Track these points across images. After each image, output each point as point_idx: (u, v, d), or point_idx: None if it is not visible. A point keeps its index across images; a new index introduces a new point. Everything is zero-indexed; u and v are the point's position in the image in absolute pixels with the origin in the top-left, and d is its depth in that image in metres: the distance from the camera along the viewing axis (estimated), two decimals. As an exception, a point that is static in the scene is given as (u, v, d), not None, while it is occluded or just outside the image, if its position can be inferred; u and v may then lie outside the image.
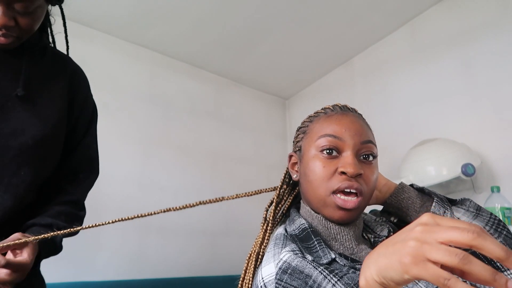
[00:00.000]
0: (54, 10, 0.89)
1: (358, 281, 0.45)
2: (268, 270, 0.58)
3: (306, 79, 2.52)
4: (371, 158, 0.66)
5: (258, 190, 0.76)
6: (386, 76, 2.01)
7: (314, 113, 0.74)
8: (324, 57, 2.27)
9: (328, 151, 0.65)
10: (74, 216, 0.88)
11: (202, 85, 2.33)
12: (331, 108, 0.72)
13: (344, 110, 0.71)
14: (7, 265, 0.67)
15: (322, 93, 2.46)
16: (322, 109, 0.73)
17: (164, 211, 0.68)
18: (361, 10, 1.86)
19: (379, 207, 0.80)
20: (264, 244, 0.70)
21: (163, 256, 1.87)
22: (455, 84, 1.67)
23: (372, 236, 0.70)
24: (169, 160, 2.04)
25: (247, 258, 0.69)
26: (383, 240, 0.64)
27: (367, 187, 0.65)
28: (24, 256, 0.71)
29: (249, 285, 0.65)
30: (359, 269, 0.57)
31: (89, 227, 0.72)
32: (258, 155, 2.49)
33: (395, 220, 0.76)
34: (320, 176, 0.64)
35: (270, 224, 0.73)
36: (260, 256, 0.68)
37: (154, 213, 0.69)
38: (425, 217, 0.40)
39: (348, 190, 0.62)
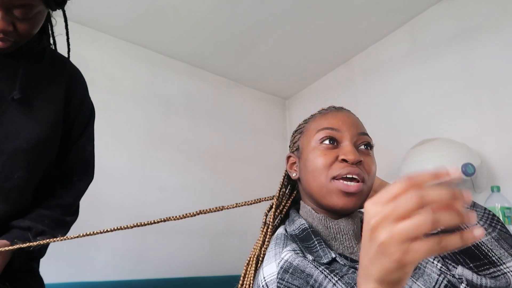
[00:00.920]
0: (57, 12, 0.89)
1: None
2: (269, 270, 0.58)
3: (306, 79, 2.52)
4: (368, 147, 0.69)
5: (258, 199, 0.78)
6: (386, 76, 2.01)
7: (309, 116, 0.76)
8: (324, 57, 2.27)
9: (327, 141, 0.67)
10: (59, 221, 0.85)
11: (202, 85, 2.33)
12: (325, 108, 0.75)
13: (339, 108, 0.74)
14: None
15: (322, 93, 2.47)
16: (317, 111, 0.76)
17: (164, 220, 0.69)
18: (361, 10, 1.86)
19: None
20: (264, 247, 0.70)
21: (163, 256, 1.87)
22: (455, 84, 1.67)
23: None
24: (169, 160, 2.04)
25: (247, 262, 0.69)
26: None
27: (368, 175, 0.66)
28: None
29: None
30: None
31: (84, 235, 0.71)
32: (258, 155, 2.49)
33: None
34: (321, 165, 0.65)
35: (270, 228, 0.73)
36: (260, 259, 0.68)
37: (154, 222, 0.69)
38: (368, 209, 0.38)
39: (350, 176, 0.63)
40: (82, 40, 1.81)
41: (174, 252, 1.91)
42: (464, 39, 1.67)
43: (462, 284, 0.56)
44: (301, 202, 0.74)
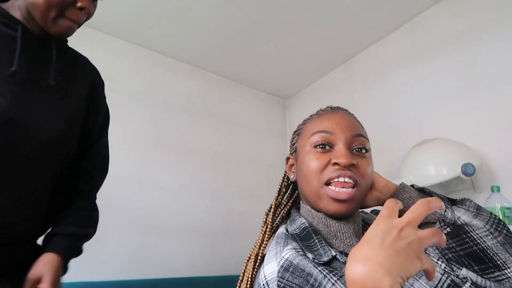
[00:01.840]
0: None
1: None
2: (270, 268, 0.59)
3: (306, 79, 2.53)
4: (363, 151, 0.68)
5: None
6: (386, 76, 2.01)
7: (308, 117, 0.77)
8: (324, 57, 2.28)
9: (321, 146, 0.67)
10: (93, 220, 0.91)
11: (202, 85, 2.33)
12: (322, 109, 0.75)
13: (335, 109, 0.74)
14: None
15: (322, 93, 2.47)
16: (315, 112, 0.76)
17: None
18: (361, 10, 1.86)
19: (381, 208, 0.80)
20: (263, 245, 0.71)
21: (163, 256, 1.87)
22: (455, 84, 1.67)
23: None
24: (169, 160, 2.04)
25: (246, 260, 0.70)
26: None
27: (363, 178, 0.65)
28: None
29: (247, 286, 0.65)
30: None
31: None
32: (258, 155, 2.49)
33: None
34: (314, 169, 0.66)
35: (269, 227, 0.74)
36: (259, 257, 0.69)
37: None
38: (395, 223, 0.45)
39: (342, 180, 0.63)
40: (82, 40, 1.81)
41: (174, 252, 1.91)
42: (464, 39, 1.67)
43: (467, 283, 0.56)
44: (301, 201, 0.74)
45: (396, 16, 1.92)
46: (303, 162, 0.68)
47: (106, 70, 1.93)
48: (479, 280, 0.57)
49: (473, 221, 0.63)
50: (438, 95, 1.72)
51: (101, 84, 0.97)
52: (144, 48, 2.10)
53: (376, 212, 0.84)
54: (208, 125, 2.28)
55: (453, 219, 0.63)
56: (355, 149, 0.67)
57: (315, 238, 0.63)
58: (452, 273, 0.58)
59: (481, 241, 0.60)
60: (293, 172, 0.75)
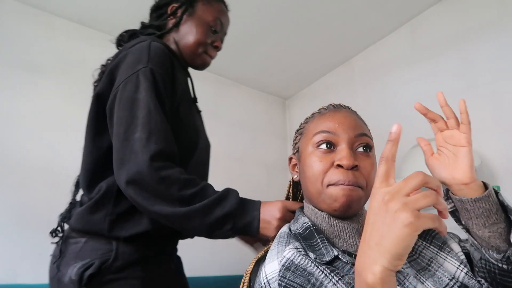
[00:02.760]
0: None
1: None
2: (271, 267, 0.59)
3: (306, 79, 2.53)
4: (367, 150, 0.67)
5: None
6: (386, 76, 2.01)
7: (310, 115, 0.76)
8: (324, 57, 2.28)
9: (323, 146, 0.66)
10: None
11: (202, 85, 2.32)
12: (325, 107, 0.74)
13: (337, 108, 0.73)
14: None
15: (322, 93, 2.47)
16: (317, 110, 0.75)
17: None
18: (361, 10, 1.86)
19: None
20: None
21: (163, 256, 1.87)
22: (455, 84, 1.67)
23: None
24: (169, 160, 2.04)
25: (253, 261, 0.69)
26: None
27: (366, 179, 0.65)
28: None
29: (248, 285, 0.65)
30: None
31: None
32: (258, 155, 2.49)
33: None
34: (317, 171, 0.65)
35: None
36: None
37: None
38: (378, 190, 0.44)
39: (346, 185, 0.63)
40: (82, 40, 1.81)
41: (174, 252, 1.91)
42: (464, 39, 1.67)
43: (483, 285, 0.56)
44: (304, 201, 0.74)
45: (396, 16, 1.92)
46: (306, 163, 0.68)
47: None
48: None
49: None
50: (438, 95, 1.72)
51: None
52: (144, 48, 2.10)
53: None
54: (208, 125, 2.27)
55: None
56: (359, 148, 0.66)
57: (317, 237, 0.63)
58: (474, 278, 0.58)
59: None
60: (296, 171, 0.74)
